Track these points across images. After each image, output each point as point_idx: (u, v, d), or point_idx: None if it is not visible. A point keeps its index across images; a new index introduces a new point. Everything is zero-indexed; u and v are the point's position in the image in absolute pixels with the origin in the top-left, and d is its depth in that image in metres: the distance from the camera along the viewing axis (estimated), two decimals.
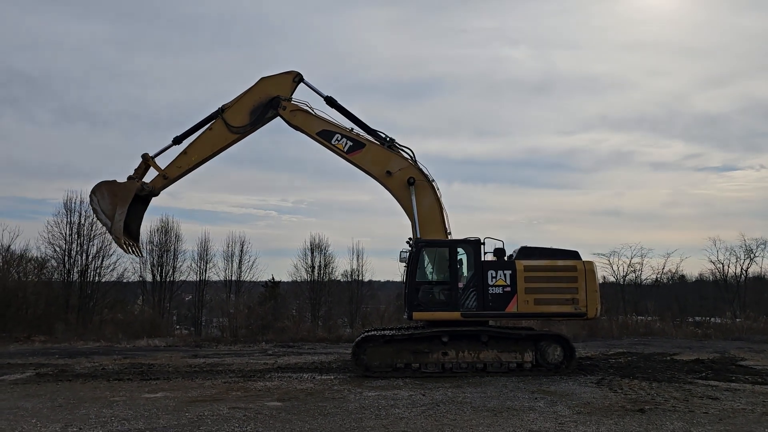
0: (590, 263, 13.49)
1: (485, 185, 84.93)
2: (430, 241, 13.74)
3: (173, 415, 9.14)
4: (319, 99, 14.79)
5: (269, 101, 14.53)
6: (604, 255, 38.06)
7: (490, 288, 13.15)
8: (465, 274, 13.53)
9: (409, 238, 13.90)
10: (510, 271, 13.20)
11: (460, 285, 13.33)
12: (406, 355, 13.15)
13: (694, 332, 26.06)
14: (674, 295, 39.06)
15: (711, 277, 41.70)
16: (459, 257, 13.62)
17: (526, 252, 13.64)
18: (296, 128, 14.61)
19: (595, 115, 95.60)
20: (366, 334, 13.77)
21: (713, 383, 11.88)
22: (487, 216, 71.87)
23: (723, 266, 38.97)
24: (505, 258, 13.71)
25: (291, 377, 13.29)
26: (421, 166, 14.30)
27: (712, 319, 31.44)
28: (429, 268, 13.92)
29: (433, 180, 14.27)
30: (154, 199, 15.17)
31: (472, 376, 12.68)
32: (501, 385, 11.63)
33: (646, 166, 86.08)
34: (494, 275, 13.20)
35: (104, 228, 15.19)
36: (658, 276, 39.57)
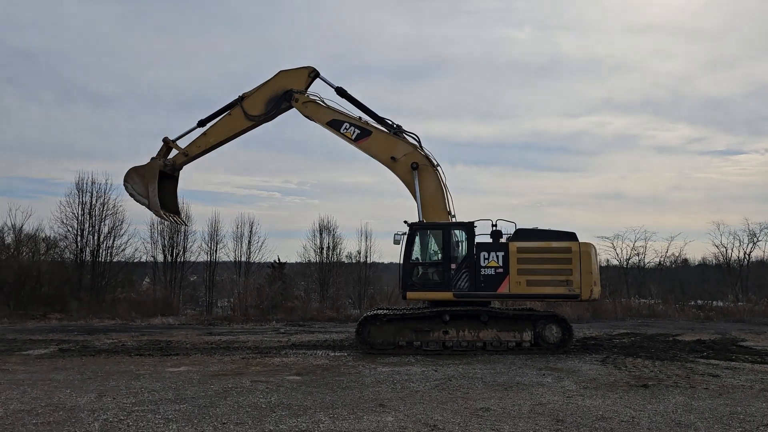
0: (587, 245, 13.62)
1: (489, 168, 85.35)
2: (424, 224, 14.28)
3: (199, 387, 9.62)
4: (331, 89, 15.60)
5: (284, 93, 15.46)
6: (607, 238, 38.44)
7: (482, 269, 13.54)
8: (458, 255, 13.94)
9: (406, 221, 14.43)
10: (503, 253, 13.55)
11: (453, 266, 13.77)
12: (408, 334, 13.72)
13: (696, 315, 26.50)
14: (677, 279, 39.48)
15: (714, 261, 42.11)
16: (456, 239, 14.07)
17: (521, 234, 13.91)
18: (309, 118, 15.51)
19: (600, 98, 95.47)
20: (369, 313, 14.37)
21: (714, 362, 12.31)
22: (491, 199, 72.29)
23: (726, 250, 39.33)
24: (502, 240, 14.05)
25: (306, 354, 13.79)
26: (425, 152, 14.88)
27: (715, 303, 31.86)
28: (423, 250, 14.41)
29: (438, 164, 14.89)
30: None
31: (472, 355, 13.15)
32: (510, 363, 12.10)
33: (651, 149, 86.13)
34: (487, 257, 13.59)
35: (134, 203, 16.31)
36: (662, 259, 40.01)
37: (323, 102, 15.38)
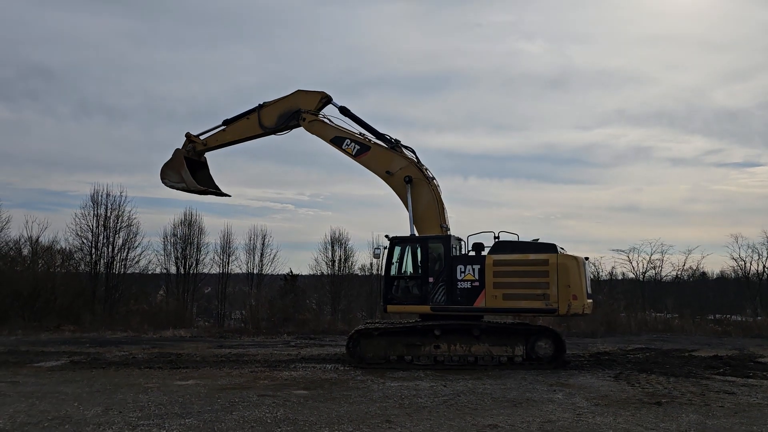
0: (566, 257, 13.16)
1: (502, 180, 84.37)
2: (403, 238, 14.30)
3: (206, 401, 9.59)
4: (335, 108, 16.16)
5: (295, 112, 16.15)
6: (623, 251, 38.10)
7: (458, 282, 13.42)
8: (438, 269, 13.79)
9: (387, 235, 14.50)
10: (479, 266, 13.38)
11: (431, 279, 13.70)
12: (399, 348, 13.67)
13: (713, 329, 26.01)
14: (695, 292, 38.94)
15: (732, 275, 41.44)
16: (438, 252, 13.95)
17: (499, 246, 13.67)
18: (315, 135, 16.19)
19: (613, 109, 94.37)
20: (360, 327, 14.42)
21: (730, 379, 12.05)
22: (503, 211, 71.64)
23: (745, 263, 38.69)
24: (483, 253, 13.85)
25: (315, 367, 13.72)
26: (421, 166, 15.09)
27: (733, 317, 31.30)
28: (402, 264, 14.39)
29: (433, 178, 15.09)
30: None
31: (482, 369, 12.96)
32: (520, 378, 11.93)
33: (665, 161, 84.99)
34: (463, 270, 13.46)
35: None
36: (679, 273, 39.45)
37: (328, 120, 15.96)
